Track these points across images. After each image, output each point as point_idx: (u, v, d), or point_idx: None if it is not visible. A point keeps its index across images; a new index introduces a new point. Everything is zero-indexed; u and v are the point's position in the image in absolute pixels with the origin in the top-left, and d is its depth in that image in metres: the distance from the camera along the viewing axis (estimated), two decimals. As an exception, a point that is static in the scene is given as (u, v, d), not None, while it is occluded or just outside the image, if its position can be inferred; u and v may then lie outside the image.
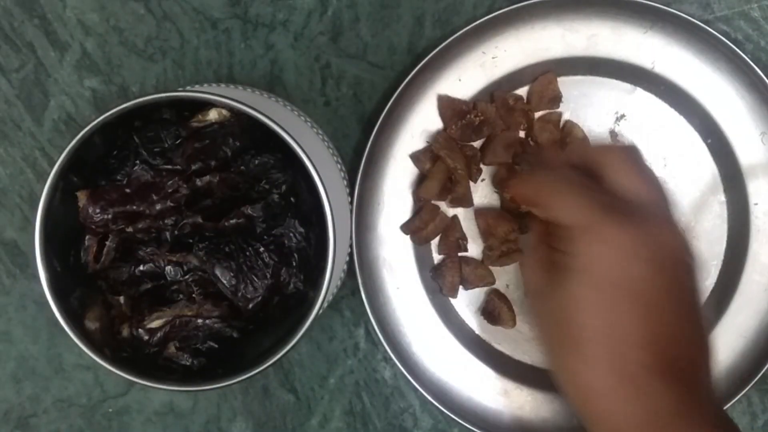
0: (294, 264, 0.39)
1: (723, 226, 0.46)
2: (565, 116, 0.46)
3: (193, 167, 0.38)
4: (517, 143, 0.45)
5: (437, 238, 0.47)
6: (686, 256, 0.35)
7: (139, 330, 0.39)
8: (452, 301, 0.47)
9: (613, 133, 0.46)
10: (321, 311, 0.38)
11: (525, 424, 0.46)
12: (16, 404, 0.48)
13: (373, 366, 0.48)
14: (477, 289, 0.47)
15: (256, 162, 0.39)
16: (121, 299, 0.40)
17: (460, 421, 0.45)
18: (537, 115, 0.46)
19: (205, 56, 0.46)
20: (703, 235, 0.46)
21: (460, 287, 0.47)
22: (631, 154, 0.37)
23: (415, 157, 0.46)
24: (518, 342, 0.47)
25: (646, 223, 0.34)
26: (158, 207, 0.38)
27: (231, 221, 0.38)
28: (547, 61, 0.45)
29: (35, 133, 0.47)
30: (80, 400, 0.48)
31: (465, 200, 0.46)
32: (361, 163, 0.45)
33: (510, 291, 0.47)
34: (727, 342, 0.45)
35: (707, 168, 0.46)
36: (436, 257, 0.47)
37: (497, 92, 0.46)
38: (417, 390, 0.46)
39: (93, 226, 0.38)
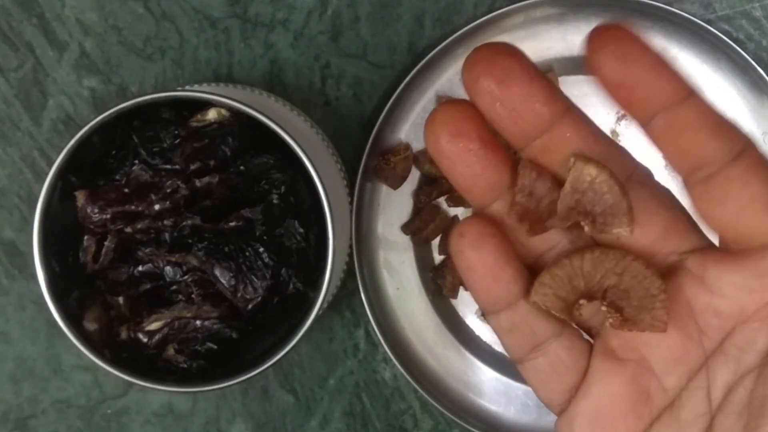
0: (294, 264, 0.39)
1: (724, 226, 0.46)
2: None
3: (192, 167, 0.38)
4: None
5: (438, 239, 0.46)
6: None
7: (138, 333, 0.39)
8: (452, 301, 0.47)
9: (614, 133, 0.46)
10: (321, 312, 0.38)
11: (525, 425, 0.46)
12: (14, 405, 0.48)
13: (373, 367, 0.47)
14: (477, 290, 0.47)
15: (256, 162, 0.39)
16: (120, 300, 0.40)
17: (460, 422, 0.45)
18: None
19: (205, 56, 0.46)
20: (706, 234, 0.46)
21: (461, 288, 0.46)
22: None
23: (415, 157, 0.46)
24: (519, 343, 0.47)
25: None
26: (157, 207, 0.38)
27: (230, 224, 0.38)
28: (548, 61, 0.45)
29: (33, 133, 0.47)
30: (79, 401, 0.48)
31: (465, 200, 0.45)
32: (361, 163, 0.45)
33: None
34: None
35: (708, 168, 0.46)
36: (437, 258, 0.47)
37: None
38: (417, 391, 0.46)
39: (92, 226, 0.38)
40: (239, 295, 0.38)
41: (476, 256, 0.22)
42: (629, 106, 0.21)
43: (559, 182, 0.21)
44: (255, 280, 0.38)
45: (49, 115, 0.47)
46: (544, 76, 0.21)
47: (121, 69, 0.46)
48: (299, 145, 0.36)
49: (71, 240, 0.39)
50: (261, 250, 0.38)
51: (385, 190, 0.46)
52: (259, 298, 0.38)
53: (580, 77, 0.46)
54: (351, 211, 0.44)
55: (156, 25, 0.46)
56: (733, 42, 0.44)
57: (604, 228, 0.21)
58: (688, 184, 0.22)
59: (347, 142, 0.46)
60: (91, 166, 0.39)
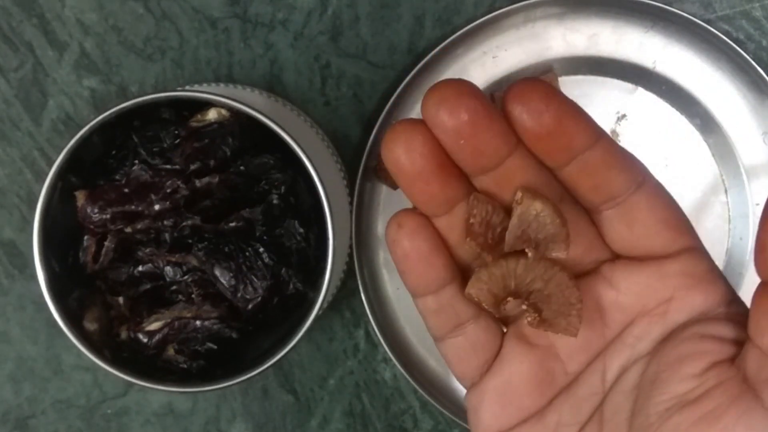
0: (293, 264, 0.39)
1: (725, 226, 0.46)
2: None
3: (192, 167, 0.38)
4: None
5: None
6: None
7: (138, 333, 0.39)
8: (452, 301, 0.47)
9: (614, 133, 0.46)
10: (321, 312, 0.38)
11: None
12: (14, 405, 0.48)
13: (373, 367, 0.47)
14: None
15: (256, 162, 0.39)
16: (120, 300, 0.40)
17: (460, 422, 0.45)
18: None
19: (205, 56, 0.46)
20: (705, 235, 0.45)
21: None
22: None
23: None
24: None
25: None
26: (157, 207, 0.38)
27: (230, 224, 0.38)
28: (547, 61, 0.45)
29: (34, 133, 0.47)
30: (79, 401, 0.48)
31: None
32: (361, 163, 0.45)
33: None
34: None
35: (709, 168, 0.46)
36: (437, 258, 0.47)
37: (497, 93, 0.45)
38: (417, 391, 0.46)
39: (91, 227, 0.38)
40: (239, 295, 0.38)
41: (413, 244, 0.24)
42: (548, 155, 0.23)
43: (507, 210, 0.24)
44: (255, 280, 0.38)
45: (49, 115, 0.47)
46: (501, 114, 0.22)
47: (121, 69, 0.46)
48: (299, 145, 0.36)
49: (71, 240, 0.39)
50: (261, 250, 0.38)
51: (385, 190, 0.46)
52: (259, 298, 0.38)
53: (580, 77, 0.46)
54: (351, 211, 0.44)
55: (156, 25, 0.46)
56: (733, 42, 0.44)
57: (545, 253, 0.24)
58: (597, 213, 0.24)
59: (347, 142, 0.46)
60: (91, 166, 0.39)
